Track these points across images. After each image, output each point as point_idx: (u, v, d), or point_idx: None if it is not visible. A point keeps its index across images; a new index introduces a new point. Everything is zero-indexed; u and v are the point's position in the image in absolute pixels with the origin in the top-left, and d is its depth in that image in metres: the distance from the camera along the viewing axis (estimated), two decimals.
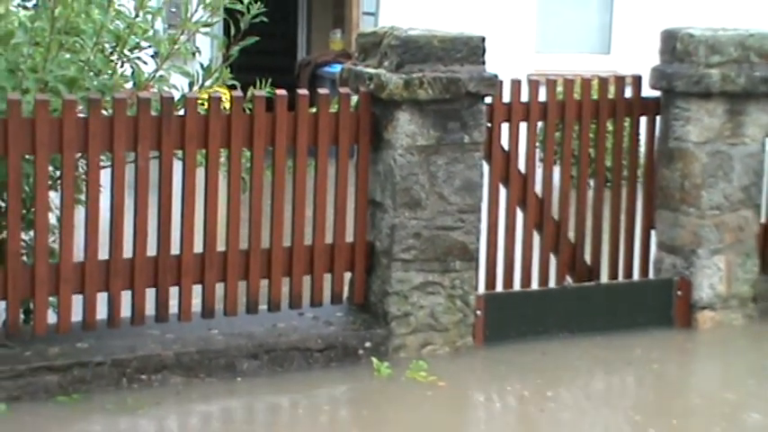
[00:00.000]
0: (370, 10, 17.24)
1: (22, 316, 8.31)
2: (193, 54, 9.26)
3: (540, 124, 9.74)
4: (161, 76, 9.01)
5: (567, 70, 11.07)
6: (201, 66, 9.17)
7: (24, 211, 8.24)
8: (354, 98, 8.99)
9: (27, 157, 8.05)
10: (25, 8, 8.70)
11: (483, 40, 9.10)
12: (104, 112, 8.23)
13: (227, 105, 8.64)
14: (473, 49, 9.02)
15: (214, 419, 8.21)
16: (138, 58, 8.94)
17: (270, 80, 9.14)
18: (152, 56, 9.07)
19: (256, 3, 8.88)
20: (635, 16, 18.55)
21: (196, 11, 9.02)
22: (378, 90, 8.86)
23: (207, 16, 9.08)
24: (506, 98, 9.49)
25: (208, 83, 9.07)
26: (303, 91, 8.96)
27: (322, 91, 9.15)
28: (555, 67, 13.23)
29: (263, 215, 8.77)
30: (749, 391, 9.20)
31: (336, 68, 16.02)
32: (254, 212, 8.74)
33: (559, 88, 9.81)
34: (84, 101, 8.19)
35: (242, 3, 8.86)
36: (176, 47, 9.06)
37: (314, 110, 8.85)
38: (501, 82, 9.24)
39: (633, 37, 18.20)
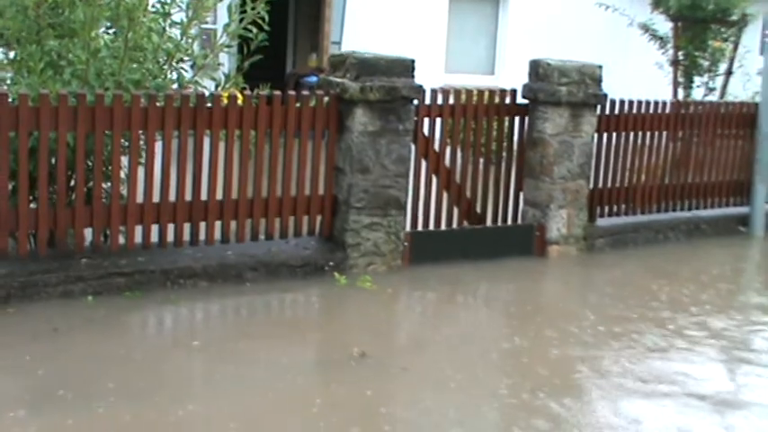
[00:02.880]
0: (336, 40, 17.20)
1: (102, 238, 8.37)
2: (218, 66, 9.25)
3: (449, 120, 9.78)
4: (196, 80, 9.03)
5: (466, 85, 11.09)
6: (224, 74, 9.20)
7: (104, 169, 8.25)
8: (326, 98, 9.03)
9: (107, 132, 8.07)
10: (107, 33, 8.66)
11: (413, 61, 9.15)
12: (158, 103, 8.25)
13: (241, 101, 8.66)
14: (406, 68, 9.08)
15: (228, 309, 8.35)
16: (182, 67, 8.96)
17: (268, 85, 9.20)
18: (191, 66, 9.08)
19: (261, 32, 8.89)
20: (511, 50, 18.65)
21: (221, 37, 9.03)
22: (342, 93, 8.91)
23: (228, 40, 9.10)
24: (428, 101, 9.50)
25: (228, 86, 9.07)
26: (292, 92, 9.02)
27: (304, 93, 9.21)
28: (457, 82, 13.23)
29: (263, 175, 8.82)
30: (577, 292, 9.63)
31: (312, 78, 16.09)
32: (257, 173, 8.79)
33: (463, 96, 9.82)
34: (145, 96, 8.21)
35: (252, 32, 8.88)
36: (207, 60, 9.08)
37: (298, 105, 8.89)
38: (424, 90, 9.30)
39: (509, 64, 18.32)
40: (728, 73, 16.53)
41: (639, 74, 15.75)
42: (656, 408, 6.54)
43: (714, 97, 15.92)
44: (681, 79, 16.46)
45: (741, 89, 16.56)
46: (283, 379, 6.74)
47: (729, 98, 15.53)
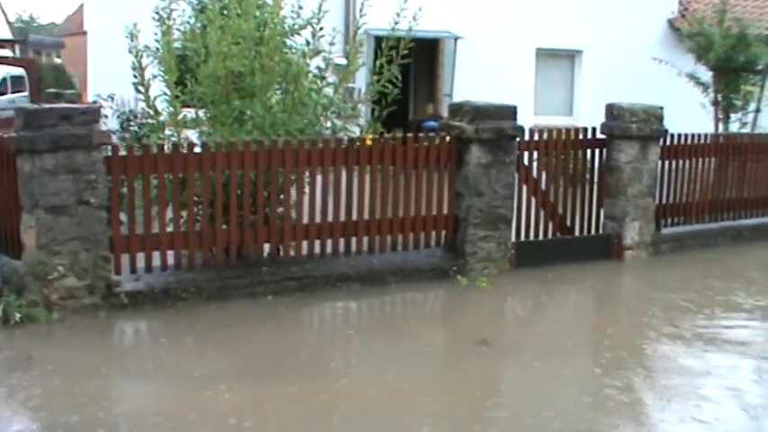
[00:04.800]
0: (447, 92, 16.97)
1: (276, 251, 8.24)
2: (359, 115, 9.10)
3: (544, 152, 9.44)
4: (346, 127, 8.88)
5: (551, 124, 10.81)
6: (366, 122, 9.06)
7: (278, 197, 8.13)
8: (447, 138, 8.80)
9: (279, 169, 7.99)
10: (277, 93, 8.56)
11: (515, 107, 8.87)
12: (319, 146, 8.13)
13: (374, 142, 8.48)
14: (510, 112, 8.80)
15: (375, 305, 8.11)
16: (335, 117, 8.81)
17: (401, 129, 9.02)
18: (337, 116, 8.93)
19: (395, 88, 8.71)
20: (585, 95, 18.33)
21: (365, 93, 8.89)
22: (461, 134, 8.67)
23: (370, 96, 8.95)
24: (527, 138, 9.18)
25: (370, 130, 8.90)
26: (421, 135, 8.80)
27: (431, 135, 8.98)
28: (543, 122, 12.87)
29: (399, 199, 8.59)
30: (650, 284, 9.18)
31: (430, 123, 15.79)
32: (395, 197, 8.58)
33: (554, 133, 9.51)
34: (308, 141, 8.10)
35: (388, 88, 8.69)
36: (353, 112, 8.94)
37: (426, 144, 8.66)
38: (524, 129, 9.02)
39: (584, 106, 18.00)
40: (757, 110, 16.17)
41: (686, 112, 15.28)
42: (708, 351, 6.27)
43: (747, 130, 15.55)
44: (720, 116, 16.16)
45: None
46: (423, 358, 6.61)
47: (759, 130, 15.19)
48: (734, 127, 15.87)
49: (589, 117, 13.65)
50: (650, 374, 6.34)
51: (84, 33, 15.51)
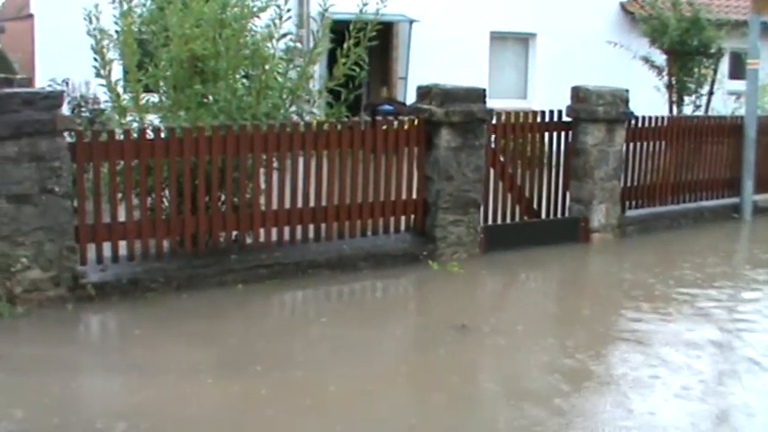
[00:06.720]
0: (402, 75, 16.87)
1: (246, 238, 8.08)
2: (322, 98, 8.93)
3: (512, 135, 9.38)
4: (312, 111, 8.71)
5: (505, 108, 10.76)
6: (330, 105, 8.90)
7: (247, 182, 7.97)
8: (416, 121, 8.70)
9: (249, 154, 7.82)
10: (244, 78, 8.34)
11: (485, 90, 8.84)
12: (288, 129, 7.97)
13: (342, 126, 8.36)
14: (479, 95, 8.77)
15: (348, 291, 7.95)
16: (301, 101, 8.63)
17: (367, 112, 8.87)
18: (307, 101, 8.76)
19: (361, 72, 8.55)
20: (538, 79, 18.36)
21: (331, 77, 8.71)
22: (430, 117, 8.59)
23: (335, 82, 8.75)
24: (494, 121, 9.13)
25: (334, 113, 8.74)
26: (390, 118, 8.68)
27: (401, 117, 8.85)
28: (498, 106, 12.80)
29: (370, 183, 8.48)
30: (618, 266, 9.25)
31: (385, 107, 15.65)
32: (365, 182, 8.47)
33: (521, 117, 9.47)
34: (277, 125, 7.93)
35: (355, 71, 8.52)
36: (320, 97, 8.77)
37: (395, 127, 8.54)
38: (493, 113, 8.96)
39: (538, 90, 18.04)
40: (710, 93, 16.30)
41: (640, 95, 15.36)
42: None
43: (700, 113, 15.68)
44: (674, 99, 16.28)
45: (722, 106, 16.31)
46: (405, 345, 6.59)
47: (712, 113, 15.30)
48: (688, 110, 16.00)
49: (542, 100, 13.65)
50: (632, 347, 6.43)
51: (29, 17, 15.07)
